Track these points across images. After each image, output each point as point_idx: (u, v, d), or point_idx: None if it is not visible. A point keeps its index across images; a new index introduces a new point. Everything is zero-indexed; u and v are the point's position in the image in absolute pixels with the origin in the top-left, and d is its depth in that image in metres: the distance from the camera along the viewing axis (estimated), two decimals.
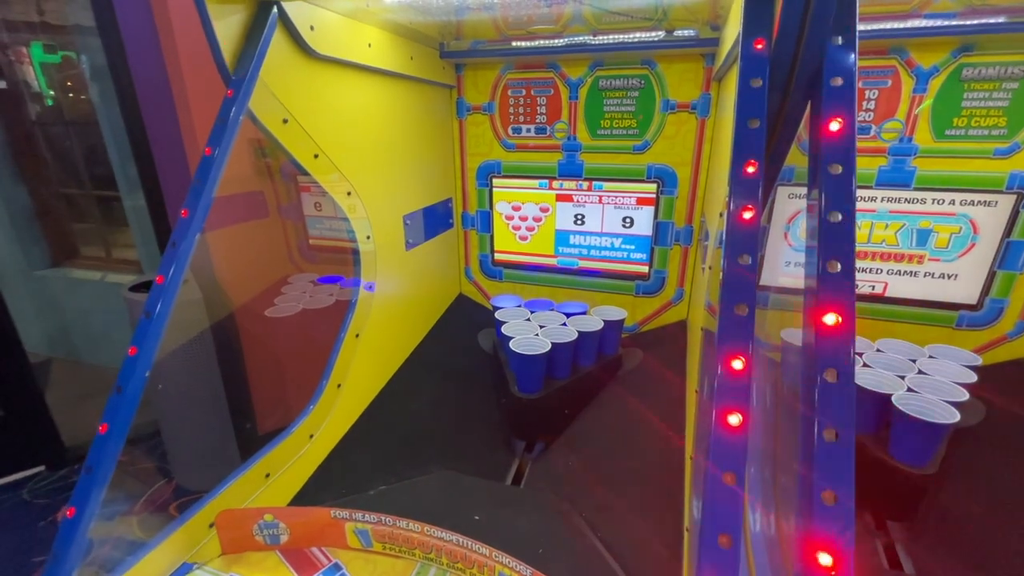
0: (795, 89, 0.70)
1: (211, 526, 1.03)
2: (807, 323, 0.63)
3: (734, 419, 0.57)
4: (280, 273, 2.29)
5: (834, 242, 0.59)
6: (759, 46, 0.71)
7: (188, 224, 0.93)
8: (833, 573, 0.49)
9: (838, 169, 0.62)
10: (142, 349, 0.84)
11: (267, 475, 1.18)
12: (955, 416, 1.14)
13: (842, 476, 0.53)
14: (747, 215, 0.62)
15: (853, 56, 0.68)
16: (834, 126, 0.63)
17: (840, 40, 0.68)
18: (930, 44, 1.41)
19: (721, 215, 1.17)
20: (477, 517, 1.15)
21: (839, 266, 0.58)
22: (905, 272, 1.61)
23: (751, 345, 0.58)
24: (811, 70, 0.69)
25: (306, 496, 1.25)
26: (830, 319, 0.57)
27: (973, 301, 1.56)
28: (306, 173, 1.30)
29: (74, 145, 3.31)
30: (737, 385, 0.56)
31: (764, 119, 0.67)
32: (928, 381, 1.28)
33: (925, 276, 1.59)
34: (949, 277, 1.57)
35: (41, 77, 3.25)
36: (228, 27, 1.02)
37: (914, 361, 1.38)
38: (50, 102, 3.20)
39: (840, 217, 0.60)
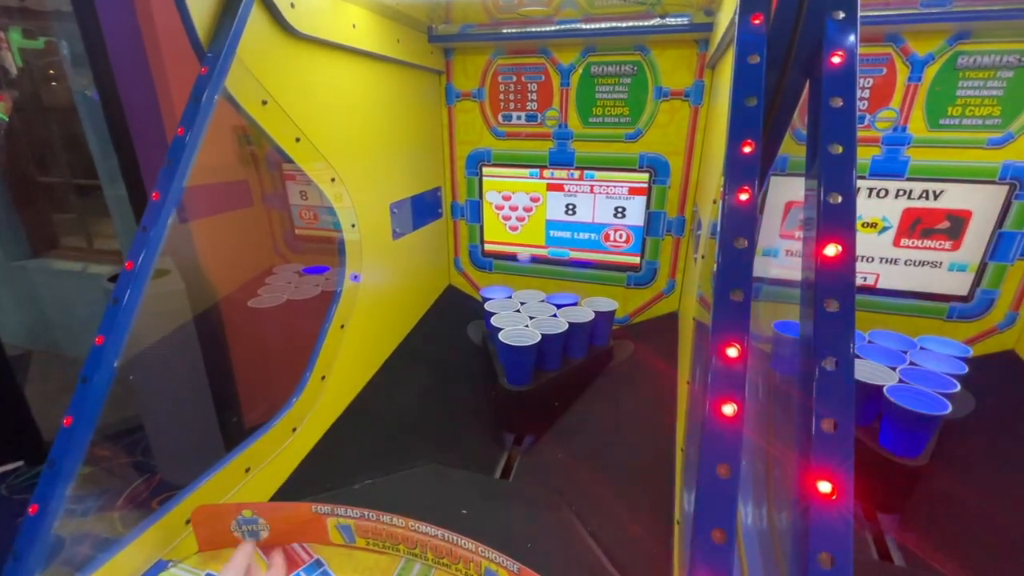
0: (793, 66, 0.67)
1: (188, 522, 0.99)
2: (805, 312, 0.60)
3: (728, 409, 0.54)
4: (265, 263, 2.24)
5: (834, 225, 0.57)
6: (757, 21, 0.68)
7: (159, 208, 0.89)
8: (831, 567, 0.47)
9: (838, 149, 0.59)
10: (109, 338, 0.80)
11: (247, 469, 1.14)
12: (946, 407, 1.13)
13: (840, 466, 0.51)
14: (743, 196, 0.59)
15: (854, 33, 0.65)
16: (834, 104, 0.61)
17: (841, 15, 0.65)
18: (926, 31, 1.39)
19: (715, 202, 1.14)
20: (464, 511, 1.12)
21: (839, 249, 0.55)
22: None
23: (747, 332, 0.55)
24: (810, 47, 0.66)
25: (288, 491, 1.22)
26: (829, 305, 0.54)
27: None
28: (288, 158, 1.25)
29: (53, 133, 3.22)
30: (732, 374, 0.54)
31: (761, 97, 0.64)
32: (919, 372, 1.27)
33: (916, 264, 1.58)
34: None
35: (20, 63, 3.16)
36: None
37: (905, 352, 1.37)
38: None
39: (840, 199, 0.57)
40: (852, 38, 0.66)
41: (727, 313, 0.57)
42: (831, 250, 0.58)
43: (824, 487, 0.50)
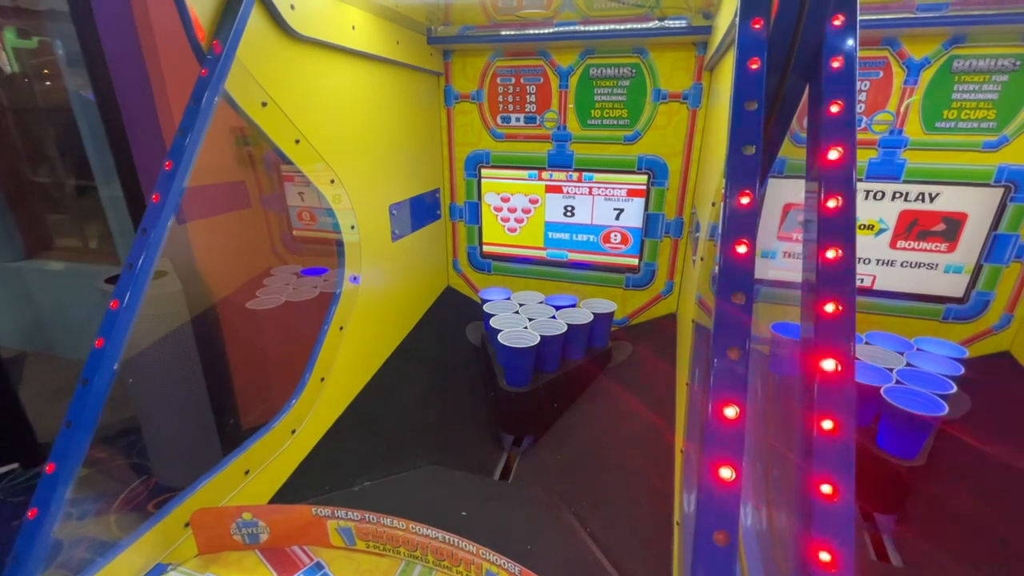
0: (793, 71, 0.68)
1: (187, 525, 0.99)
2: (805, 313, 0.61)
3: (730, 411, 0.55)
4: (262, 265, 2.23)
5: (834, 227, 0.57)
6: (757, 26, 0.68)
7: (159, 210, 0.89)
8: (833, 570, 0.48)
9: (838, 153, 0.59)
10: (109, 340, 0.80)
11: (247, 472, 1.14)
12: (943, 408, 1.14)
13: (841, 467, 0.51)
14: (744, 200, 0.59)
15: (854, 38, 0.65)
16: (834, 109, 0.61)
17: (840, 21, 0.66)
18: (922, 35, 1.41)
19: (713, 204, 1.15)
20: (464, 513, 1.12)
21: (839, 252, 0.56)
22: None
23: (749, 335, 0.56)
24: (810, 51, 0.67)
25: (287, 493, 1.22)
26: (830, 308, 0.55)
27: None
28: (287, 160, 1.25)
29: (48, 133, 3.20)
30: (734, 376, 0.54)
31: (762, 101, 0.64)
32: (916, 373, 1.28)
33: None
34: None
35: (14, 62, 3.14)
36: (202, 1, 0.97)
37: (902, 354, 1.38)
38: None
39: (840, 202, 0.58)
40: (851, 43, 0.66)
41: (729, 316, 0.57)
42: (831, 252, 0.58)
43: (825, 488, 0.50)
